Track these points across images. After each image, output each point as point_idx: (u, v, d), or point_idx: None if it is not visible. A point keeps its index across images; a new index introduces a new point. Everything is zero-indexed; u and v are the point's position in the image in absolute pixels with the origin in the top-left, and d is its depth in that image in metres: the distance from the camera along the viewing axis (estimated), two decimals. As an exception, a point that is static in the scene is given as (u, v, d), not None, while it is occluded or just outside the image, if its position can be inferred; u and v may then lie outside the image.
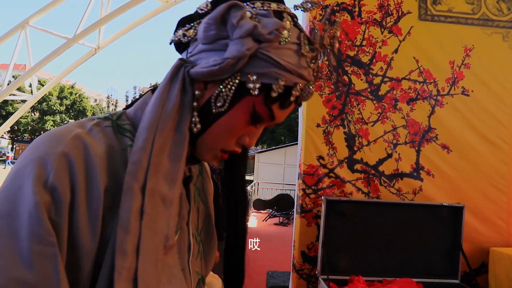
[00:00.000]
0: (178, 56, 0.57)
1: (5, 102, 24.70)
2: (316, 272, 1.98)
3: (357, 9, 2.24)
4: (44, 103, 30.41)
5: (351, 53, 2.23)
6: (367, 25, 2.24)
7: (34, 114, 31.65)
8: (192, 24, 0.55)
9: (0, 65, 35.55)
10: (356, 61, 2.23)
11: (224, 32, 0.51)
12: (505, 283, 1.97)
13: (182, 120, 0.53)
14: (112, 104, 38.47)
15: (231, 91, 0.52)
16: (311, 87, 0.55)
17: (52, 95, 30.88)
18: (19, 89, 14.68)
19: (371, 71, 2.24)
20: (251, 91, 0.51)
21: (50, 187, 0.45)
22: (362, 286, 1.85)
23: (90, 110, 33.65)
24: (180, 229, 0.60)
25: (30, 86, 15.51)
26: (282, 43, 0.51)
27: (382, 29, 2.25)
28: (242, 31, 0.49)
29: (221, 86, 0.52)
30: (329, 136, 2.21)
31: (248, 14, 0.51)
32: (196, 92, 0.53)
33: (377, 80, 2.24)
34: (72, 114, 32.54)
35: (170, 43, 0.58)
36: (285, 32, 0.51)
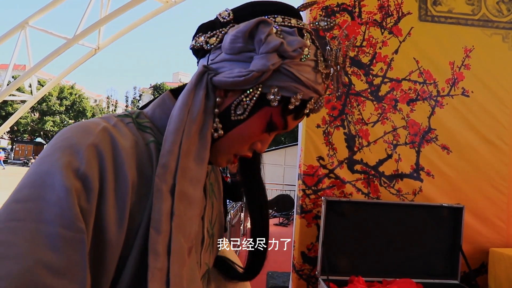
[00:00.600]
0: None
1: (5, 102, 24.69)
2: (316, 272, 1.98)
3: (357, 9, 2.24)
4: (44, 104, 30.41)
5: (351, 54, 2.22)
6: (367, 25, 2.25)
7: (34, 115, 31.64)
8: (214, 32, 0.57)
9: (0, 65, 35.54)
10: (356, 62, 2.23)
11: (250, 45, 0.53)
12: (505, 284, 1.97)
13: (205, 124, 0.55)
14: (112, 104, 38.40)
15: (252, 101, 0.55)
16: (322, 101, 0.60)
17: (52, 96, 30.89)
18: (18, 90, 14.67)
19: (371, 71, 2.24)
20: (271, 103, 0.54)
21: (82, 175, 0.45)
22: (362, 287, 1.85)
23: (90, 111, 33.62)
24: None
25: (30, 86, 15.49)
26: (302, 60, 0.54)
27: (382, 30, 2.25)
28: (269, 47, 0.51)
29: (242, 96, 0.55)
30: (329, 136, 2.21)
31: (274, 30, 0.53)
32: (217, 99, 0.56)
33: (377, 81, 2.24)
34: (72, 114, 32.52)
35: (190, 48, 0.59)
36: (306, 50, 0.54)
